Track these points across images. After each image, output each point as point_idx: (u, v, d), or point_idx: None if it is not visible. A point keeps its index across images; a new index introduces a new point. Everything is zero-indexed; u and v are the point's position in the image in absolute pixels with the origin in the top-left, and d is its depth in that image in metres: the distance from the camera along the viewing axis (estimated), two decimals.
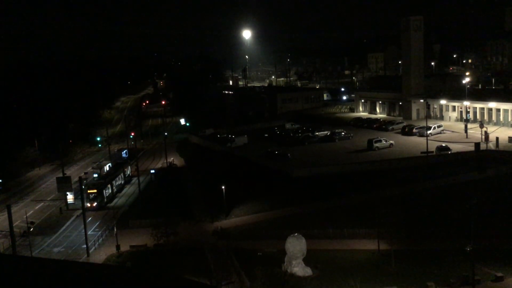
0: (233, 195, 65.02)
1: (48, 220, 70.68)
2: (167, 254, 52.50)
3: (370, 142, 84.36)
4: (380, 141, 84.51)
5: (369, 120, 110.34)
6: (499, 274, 40.81)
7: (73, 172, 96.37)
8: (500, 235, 47.44)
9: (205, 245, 54.28)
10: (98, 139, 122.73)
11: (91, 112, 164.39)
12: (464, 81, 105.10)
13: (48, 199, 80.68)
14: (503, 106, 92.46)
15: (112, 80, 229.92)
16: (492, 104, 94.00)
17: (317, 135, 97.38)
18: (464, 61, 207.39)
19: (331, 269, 45.76)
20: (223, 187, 63.08)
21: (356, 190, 64.20)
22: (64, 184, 73.50)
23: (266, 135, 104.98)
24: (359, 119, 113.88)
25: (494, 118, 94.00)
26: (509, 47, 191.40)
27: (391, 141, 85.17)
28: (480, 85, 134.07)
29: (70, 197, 74.76)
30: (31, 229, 63.61)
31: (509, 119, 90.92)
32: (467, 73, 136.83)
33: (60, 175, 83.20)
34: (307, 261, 46.14)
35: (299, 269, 45.43)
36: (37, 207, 76.98)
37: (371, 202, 59.10)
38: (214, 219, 62.67)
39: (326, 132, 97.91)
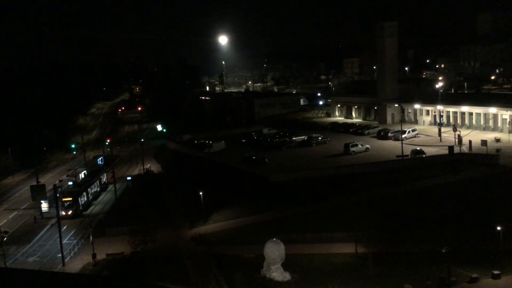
0: (211, 201, 64.74)
1: (22, 229, 69.22)
2: (145, 262, 51.87)
3: (346, 146, 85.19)
4: (357, 145, 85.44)
5: (345, 124, 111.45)
6: (474, 275, 41.48)
7: (48, 180, 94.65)
8: (474, 236, 48.25)
9: (184, 252, 53.87)
10: (73, 146, 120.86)
11: (66, 119, 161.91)
12: (437, 86, 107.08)
13: (22, 207, 79.07)
14: (475, 110, 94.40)
15: (87, 86, 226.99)
16: (465, 108, 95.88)
17: (294, 140, 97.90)
18: (437, 66, 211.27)
19: (309, 273, 45.87)
20: (201, 192, 62.80)
21: (333, 194, 64.67)
22: (38, 192, 72.17)
23: (244, 140, 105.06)
24: (336, 123, 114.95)
25: (467, 121, 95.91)
26: (481, 52, 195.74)
27: (367, 145, 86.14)
28: (453, 89, 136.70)
29: (44, 206, 73.25)
30: (5, 238, 62.25)
31: (482, 123, 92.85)
32: (440, 78, 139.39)
33: (34, 183, 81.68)
34: (286, 265, 46.17)
35: (278, 274, 45.43)
36: (10, 216, 75.34)
37: (349, 205, 59.68)
38: (193, 225, 62.25)
39: (303, 137, 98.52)
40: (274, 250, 45.71)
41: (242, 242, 54.18)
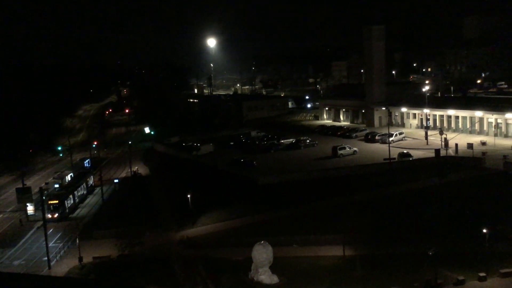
0: (199, 204, 64.59)
1: (8, 232, 68.44)
2: (132, 265, 51.54)
3: (334, 149, 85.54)
4: (344, 148, 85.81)
5: (333, 127, 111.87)
6: (461, 278, 41.81)
7: (34, 182, 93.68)
8: (461, 239, 48.65)
9: (171, 255, 53.62)
10: (60, 148, 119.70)
11: (53, 121, 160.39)
12: (424, 89, 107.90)
13: (8, 210, 78.16)
14: (461, 113, 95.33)
15: (74, 88, 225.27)
16: (451, 112, 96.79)
17: (282, 142, 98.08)
18: (424, 70, 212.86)
19: (297, 276, 45.91)
20: (188, 195, 62.57)
21: (321, 196, 64.82)
22: (24, 195, 71.31)
23: (232, 143, 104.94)
24: (324, 126, 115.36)
25: (453, 125, 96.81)
26: (467, 56, 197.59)
27: (355, 148, 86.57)
28: (439, 93, 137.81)
29: (30, 208, 72.47)
30: None
31: (468, 126, 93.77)
32: (427, 81, 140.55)
33: (20, 185, 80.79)
34: (273, 268, 46.17)
35: (266, 277, 45.40)
36: None
37: (336, 208, 59.83)
38: (181, 228, 61.99)
39: (291, 139, 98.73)
40: (262, 253, 45.67)
41: (230, 244, 54.08)
